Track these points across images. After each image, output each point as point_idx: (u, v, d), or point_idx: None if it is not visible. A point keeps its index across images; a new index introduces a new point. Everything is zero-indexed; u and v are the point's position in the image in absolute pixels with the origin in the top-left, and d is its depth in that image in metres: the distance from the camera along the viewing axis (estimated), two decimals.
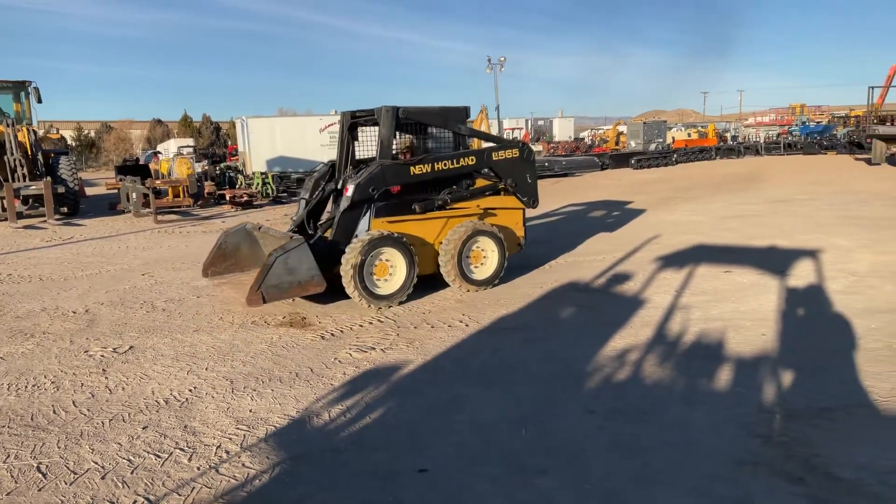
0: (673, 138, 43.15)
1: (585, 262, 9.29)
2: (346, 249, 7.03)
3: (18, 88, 18.33)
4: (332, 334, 6.27)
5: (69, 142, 55.05)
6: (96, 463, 3.83)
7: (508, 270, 8.23)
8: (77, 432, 4.25)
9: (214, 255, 8.24)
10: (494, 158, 8.07)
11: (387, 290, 7.18)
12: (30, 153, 17.18)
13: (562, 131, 55.69)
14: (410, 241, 7.39)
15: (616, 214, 14.60)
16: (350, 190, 7.35)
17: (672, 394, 4.58)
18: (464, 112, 8.08)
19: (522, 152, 8.29)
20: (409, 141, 8.32)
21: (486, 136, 8.93)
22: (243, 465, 3.77)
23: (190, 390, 4.93)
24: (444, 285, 7.85)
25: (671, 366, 5.12)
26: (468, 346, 5.82)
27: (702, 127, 49.92)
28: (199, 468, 3.74)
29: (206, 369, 5.39)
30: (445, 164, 7.69)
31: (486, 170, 8.27)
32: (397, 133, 7.86)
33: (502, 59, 41.01)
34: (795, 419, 4.10)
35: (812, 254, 9.00)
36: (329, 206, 8.42)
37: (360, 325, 6.52)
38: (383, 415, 4.42)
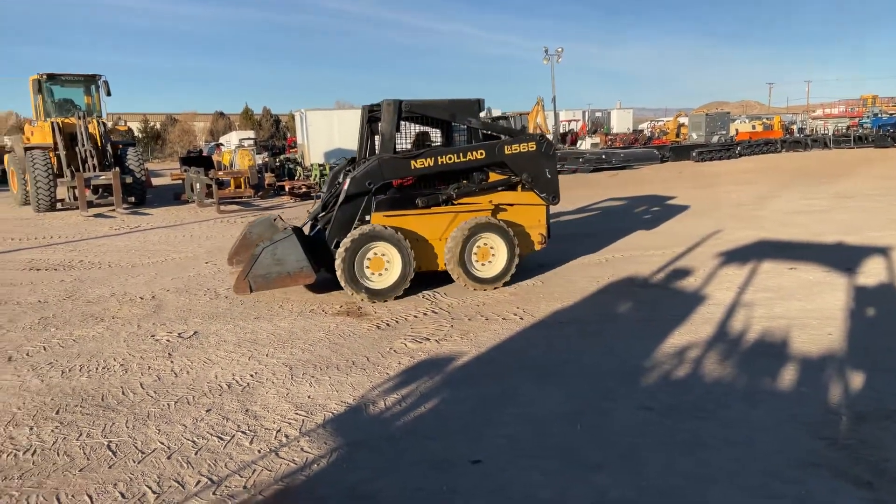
0: (736, 130, 41.99)
1: (643, 256, 9.14)
2: (338, 251, 7.05)
3: (89, 82, 19.06)
4: (388, 324, 6.34)
5: (136, 133, 56.86)
6: (162, 443, 3.98)
7: (564, 265, 8.18)
8: (144, 413, 4.43)
9: (239, 244, 8.42)
10: (507, 152, 7.70)
11: (382, 285, 7.14)
12: (99, 144, 17.86)
13: (620, 123, 54.74)
14: (412, 235, 7.30)
15: (675, 208, 14.30)
16: (346, 184, 7.35)
17: (733, 392, 4.47)
18: (475, 105, 7.80)
19: (540, 146, 7.88)
20: (418, 134, 8.14)
21: (500, 129, 8.54)
22: (302, 449, 3.86)
23: (251, 375, 5.08)
24: None
25: (732, 364, 5.00)
26: (522, 340, 5.81)
27: (767, 119, 48.41)
28: (259, 451, 3.85)
29: (267, 355, 5.53)
30: (450, 158, 7.48)
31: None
32: (400, 126, 7.74)
33: (559, 49, 40.62)
34: (864, 421, 3.96)
35: (882, 251, 8.64)
36: None
37: (415, 316, 6.58)
38: (438, 405, 4.45)
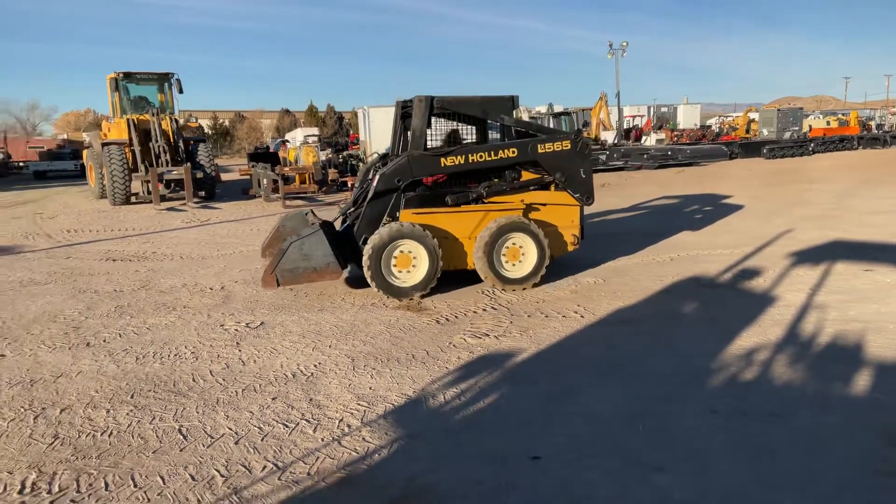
0: (810, 126, 40.37)
1: (710, 255, 8.91)
2: (365, 248, 7.02)
3: (162, 80, 19.74)
4: (447, 319, 6.38)
5: (206, 130, 58.73)
6: (230, 429, 4.12)
7: (627, 263, 8.05)
8: (213, 399, 4.59)
9: (272, 237, 8.44)
10: (540, 151, 7.54)
11: (409, 283, 7.07)
12: (172, 140, 18.49)
13: (687, 118, 53.40)
14: (441, 233, 7.22)
15: (744, 206, 13.88)
16: (375, 181, 7.32)
17: (803, 397, 4.33)
18: (509, 101, 7.66)
19: (575, 145, 7.66)
20: (450, 131, 8.01)
21: (536, 127, 8.30)
22: (363, 439, 3.94)
23: (315, 366, 5.20)
24: (558, 275, 7.77)
25: (803, 367, 4.83)
26: (583, 338, 5.76)
27: (843, 114, 46.41)
28: (323, 439, 3.95)
29: (330, 347, 5.65)
30: (481, 156, 7.38)
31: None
32: (432, 123, 7.63)
33: (624, 44, 39.93)
34: None
35: None
36: None
37: (475, 312, 6.60)
38: (497, 400, 4.46)
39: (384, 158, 8.33)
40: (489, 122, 7.94)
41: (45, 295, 7.77)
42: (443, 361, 5.20)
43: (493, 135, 8.12)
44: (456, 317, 6.45)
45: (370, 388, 4.71)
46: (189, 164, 17.86)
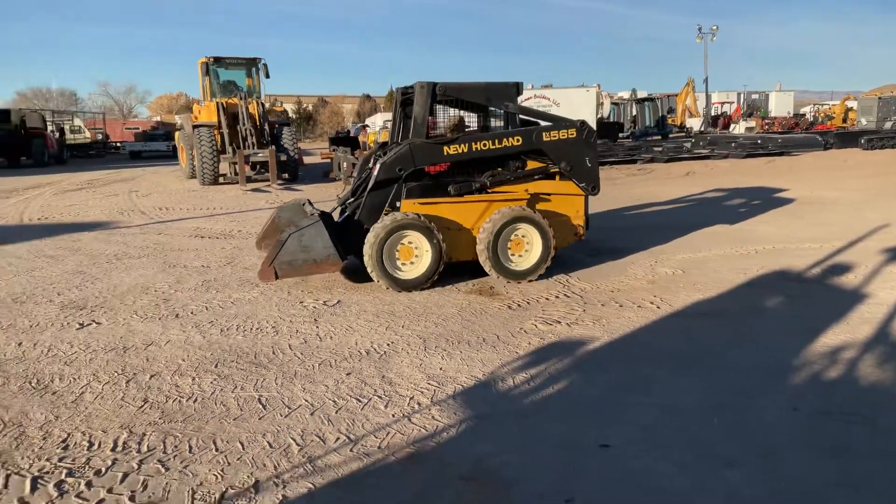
0: None
1: (798, 249, 8.53)
2: (366, 239, 6.87)
3: (250, 65, 20.40)
4: (519, 305, 6.38)
5: (290, 114, 60.17)
6: (307, 401, 4.28)
7: (708, 254, 7.81)
8: (291, 372, 4.76)
9: (268, 228, 8.28)
10: (545, 139, 7.29)
11: (411, 275, 6.91)
12: (258, 124, 19.08)
13: (779, 106, 51.07)
14: (444, 224, 7.05)
15: (837, 199, 13.19)
16: (376, 170, 7.18)
17: (891, 398, 4.12)
18: (513, 88, 7.40)
19: (581, 133, 7.37)
20: (457, 119, 7.84)
21: (540, 115, 7.98)
22: (433, 417, 4.01)
23: (388, 344, 5.31)
24: (633, 266, 7.62)
25: (892, 368, 4.59)
26: (658, 329, 5.64)
27: None
28: (393, 415, 4.04)
29: (403, 327, 5.75)
30: (485, 145, 7.15)
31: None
32: (434, 109, 7.45)
33: (714, 27, 38.52)
34: None
35: None
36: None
37: (546, 299, 6.57)
38: (567, 387, 4.45)
39: (384, 147, 8.20)
40: (492, 109, 7.75)
41: (138, 268, 8.22)
42: (513, 346, 5.22)
43: (497, 122, 7.92)
44: (528, 303, 6.44)
45: (440, 369, 4.78)
46: (274, 146, 18.41)
